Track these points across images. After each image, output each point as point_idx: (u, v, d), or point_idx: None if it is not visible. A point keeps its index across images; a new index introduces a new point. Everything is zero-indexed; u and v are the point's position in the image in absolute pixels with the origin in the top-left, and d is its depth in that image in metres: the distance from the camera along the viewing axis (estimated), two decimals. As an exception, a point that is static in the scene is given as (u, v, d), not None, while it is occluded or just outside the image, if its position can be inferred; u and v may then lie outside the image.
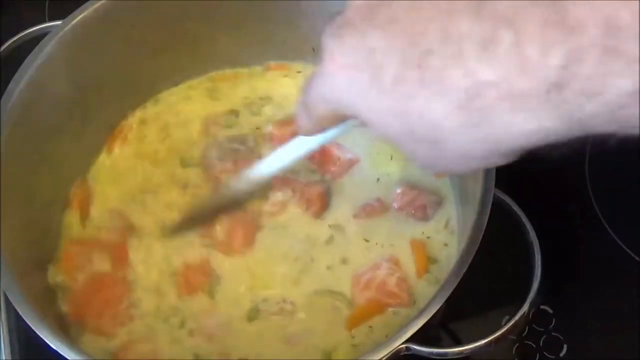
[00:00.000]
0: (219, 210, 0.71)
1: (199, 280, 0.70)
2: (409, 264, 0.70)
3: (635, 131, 0.36)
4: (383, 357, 0.54)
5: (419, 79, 0.39)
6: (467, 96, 0.37)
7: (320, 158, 0.75)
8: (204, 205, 0.73)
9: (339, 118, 0.49)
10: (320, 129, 0.52)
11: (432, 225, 0.72)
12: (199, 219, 0.72)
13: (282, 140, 0.67)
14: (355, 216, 0.73)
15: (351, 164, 0.76)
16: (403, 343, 0.55)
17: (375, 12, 0.41)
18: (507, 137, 0.39)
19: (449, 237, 0.71)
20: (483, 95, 0.37)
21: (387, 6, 0.40)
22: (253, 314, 0.69)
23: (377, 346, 0.55)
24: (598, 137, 0.37)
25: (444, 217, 0.72)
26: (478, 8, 0.37)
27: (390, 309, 0.68)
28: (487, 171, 0.61)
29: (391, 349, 0.54)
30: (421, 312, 0.56)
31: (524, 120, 0.37)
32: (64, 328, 0.68)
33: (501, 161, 0.42)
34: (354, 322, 0.67)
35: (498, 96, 0.37)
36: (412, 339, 0.55)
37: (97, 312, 0.69)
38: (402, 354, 0.56)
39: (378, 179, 0.75)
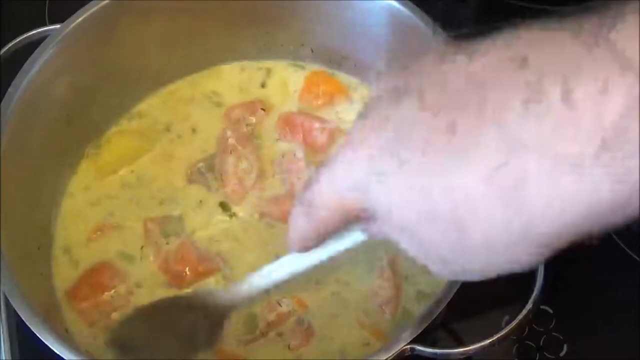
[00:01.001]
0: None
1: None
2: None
3: None
4: (388, 357, 0.55)
5: (446, 146, 0.35)
6: (500, 164, 0.34)
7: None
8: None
9: (345, 218, 0.43)
10: (319, 237, 0.46)
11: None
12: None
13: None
14: None
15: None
16: (408, 344, 0.55)
17: (401, 95, 0.38)
18: (546, 213, 0.34)
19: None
20: (521, 160, 0.33)
21: (411, 93, 0.37)
22: None
23: (382, 347, 0.55)
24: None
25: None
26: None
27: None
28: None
29: (396, 349, 0.55)
30: (426, 313, 0.56)
31: (572, 186, 0.32)
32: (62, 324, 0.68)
33: (529, 259, 0.38)
34: None
35: (538, 161, 0.33)
36: (416, 340, 0.55)
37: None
38: (406, 354, 0.56)
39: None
